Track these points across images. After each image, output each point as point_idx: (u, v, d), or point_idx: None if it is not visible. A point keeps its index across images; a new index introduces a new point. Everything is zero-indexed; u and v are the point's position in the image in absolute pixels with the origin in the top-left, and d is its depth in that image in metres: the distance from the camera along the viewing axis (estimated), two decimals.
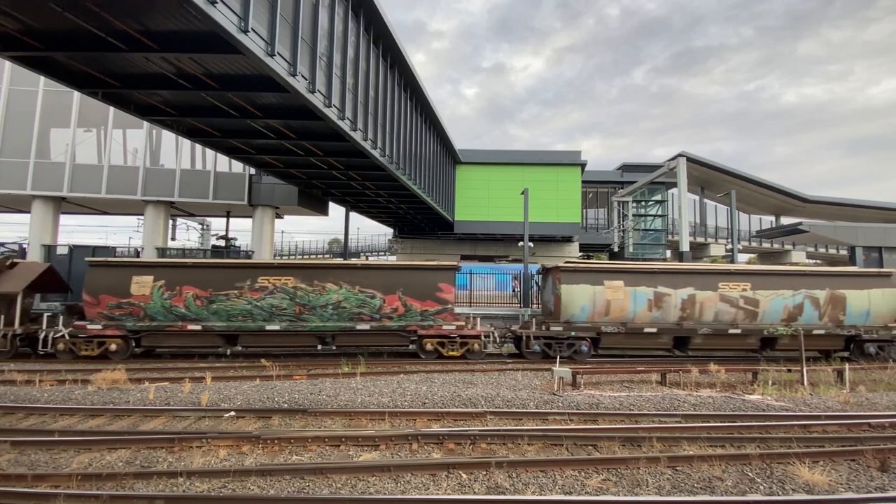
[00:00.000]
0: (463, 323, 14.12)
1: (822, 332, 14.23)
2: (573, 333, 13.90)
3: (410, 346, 14.41)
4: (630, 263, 16.43)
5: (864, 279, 14.75)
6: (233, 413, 8.24)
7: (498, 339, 14.42)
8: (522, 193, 24.45)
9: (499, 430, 7.21)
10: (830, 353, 14.61)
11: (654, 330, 13.99)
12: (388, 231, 43.29)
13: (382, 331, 13.77)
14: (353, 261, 19.02)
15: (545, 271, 15.98)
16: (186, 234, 31.34)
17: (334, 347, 14.16)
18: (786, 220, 48.85)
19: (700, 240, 45.55)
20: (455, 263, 15.29)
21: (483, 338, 13.90)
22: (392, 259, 41.98)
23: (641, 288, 13.99)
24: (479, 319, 14.83)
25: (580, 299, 13.89)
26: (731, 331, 14.06)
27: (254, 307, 13.46)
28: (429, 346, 13.68)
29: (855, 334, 14.34)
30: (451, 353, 13.77)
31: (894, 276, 14.96)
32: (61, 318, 13.70)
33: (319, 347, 14.08)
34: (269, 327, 13.50)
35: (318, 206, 28.36)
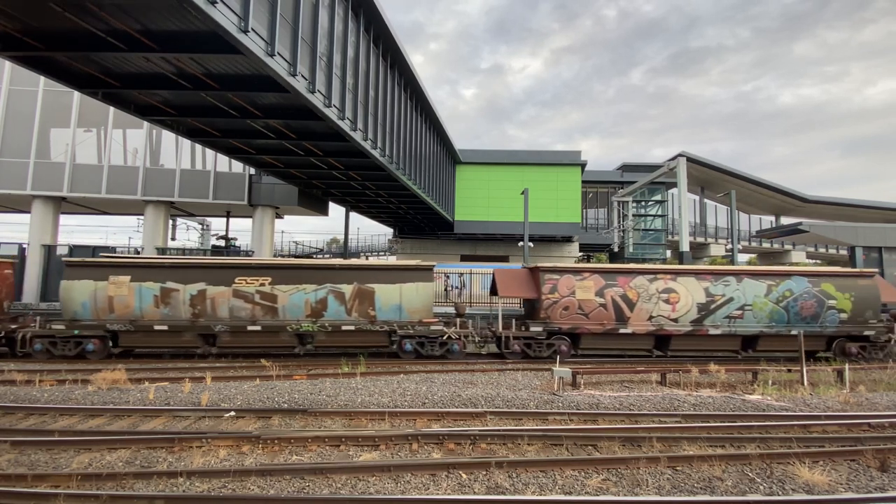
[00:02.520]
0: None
1: (351, 327, 13.85)
2: (77, 332, 13.33)
3: None
4: (139, 258, 15.61)
5: (397, 273, 14.30)
6: (233, 413, 8.25)
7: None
8: (522, 193, 24.48)
9: (499, 430, 7.21)
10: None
11: (165, 327, 13.47)
12: (388, 231, 43.29)
13: None
14: None
15: None
16: (186, 234, 31.38)
17: None
18: (786, 220, 48.91)
19: (700, 240, 45.57)
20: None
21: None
22: (392, 259, 41.93)
23: (148, 283, 13.42)
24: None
25: (80, 295, 13.35)
26: (251, 327, 13.63)
27: None
28: None
29: (390, 330, 13.98)
30: None
31: (435, 271, 14.60)
32: None
33: None
34: None
35: (318, 206, 28.37)
